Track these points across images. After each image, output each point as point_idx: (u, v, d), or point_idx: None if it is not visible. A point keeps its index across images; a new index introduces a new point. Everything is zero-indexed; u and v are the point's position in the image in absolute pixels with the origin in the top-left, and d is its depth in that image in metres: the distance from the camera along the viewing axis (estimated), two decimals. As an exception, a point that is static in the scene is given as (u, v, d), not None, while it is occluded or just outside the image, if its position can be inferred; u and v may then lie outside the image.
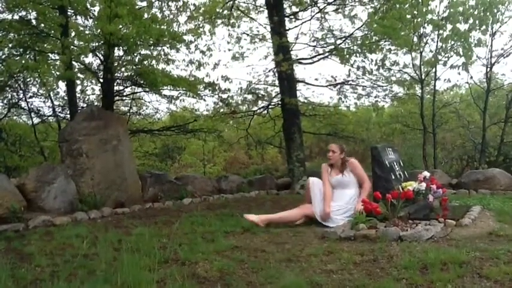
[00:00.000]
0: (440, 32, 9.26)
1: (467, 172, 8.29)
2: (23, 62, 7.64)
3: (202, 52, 9.43)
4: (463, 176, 7.95)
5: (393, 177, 4.62)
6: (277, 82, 9.46)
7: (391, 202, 4.02)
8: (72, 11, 7.93)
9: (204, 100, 9.81)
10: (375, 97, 10.43)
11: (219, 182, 8.20)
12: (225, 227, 4.41)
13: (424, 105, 10.09)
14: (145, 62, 8.62)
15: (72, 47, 7.07)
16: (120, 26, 6.64)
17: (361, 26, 9.00)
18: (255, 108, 10.26)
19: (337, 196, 4.67)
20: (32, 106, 10.20)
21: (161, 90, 9.14)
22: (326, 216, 4.47)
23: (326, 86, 10.08)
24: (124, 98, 10.40)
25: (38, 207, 5.49)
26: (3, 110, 10.24)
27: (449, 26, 8.75)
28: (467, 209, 4.66)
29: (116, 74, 8.42)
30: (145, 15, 7.31)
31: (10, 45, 7.82)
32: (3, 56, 8.18)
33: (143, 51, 8.46)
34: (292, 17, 9.62)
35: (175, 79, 8.38)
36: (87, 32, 7.57)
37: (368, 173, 4.87)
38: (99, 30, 7.12)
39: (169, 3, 9.24)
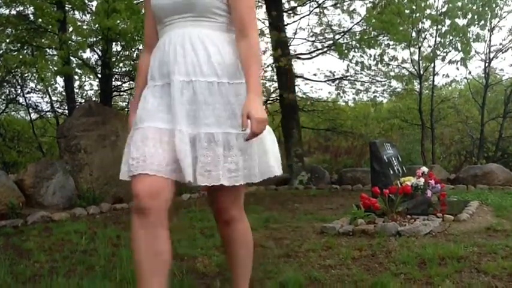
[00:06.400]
0: (439, 27, 9.25)
1: (465, 167, 8.30)
2: (21, 57, 7.61)
3: (201, 47, 9.40)
4: (461, 171, 7.95)
5: (391, 172, 4.62)
6: (275, 77, 9.45)
7: (389, 197, 4.02)
8: (70, 6, 7.90)
9: (203, 95, 9.78)
10: (374, 92, 10.49)
11: (217, 178, 8.20)
12: (224, 223, 4.41)
13: (422, 100, 10.09)
14: (143, 57, 8.59)
15: (70, 42, 7.05)
16: (118, 21, 6.62)
17: (360, 21, 8.99)
18: (254, 104, 10.23)
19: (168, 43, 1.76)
20: (30, 102, 10.19)
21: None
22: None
23: (324, 81, 10.09)
24: (122, 93, 10.39)
25: (37, 203, 5.48)
26: (1, 105, 10.22)
27: (447, 21, 8.74)
28: (466, 204, 4.67)
29: (113, 69, 8.40)
30: (143, 10, 7.29)
31: (7, 40, 7.79)
32: (1, 52, 8.15)
33: (141, 46, 8.45)
34: (290, 11, 9.61)
35: (173, 74, 8.36)
36: (84, 27, 7.55)
37: (366, 168, 4.83)
38: (96, 25, 7.10)
39: (167, -2, 9.19)
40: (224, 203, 1.86)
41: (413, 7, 8.28)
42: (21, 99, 10.14)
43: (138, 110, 1.77)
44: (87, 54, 8.72)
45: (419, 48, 9.91)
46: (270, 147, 1.83)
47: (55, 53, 8.04)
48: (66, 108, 9.24)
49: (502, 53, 9.99)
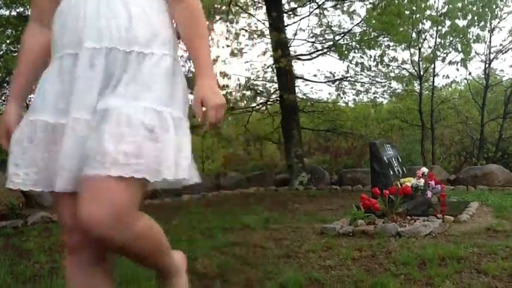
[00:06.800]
0: (439, 28, 9.28)
1: (465, 168, 8.30)
2: (21, 58, 7.62)
3: (201, 48, 9.40)
4: (461, 172, 7.96)
5: (391, 173, 4.62)
6: (275, 78, 9.45)
7: (389, 198, 4.02)
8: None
9: (203, 96, 9.79)
10: (374, 93, 10.51)
11: (217, 179, 8.21)
12: (224, 223, 4.42)
13: (422, 101, 10.10)
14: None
15: (70, 43, 7.06)
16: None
17: (360, 22, 9.01)
18: (254, 105, 10.26)
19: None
20: (30, 102, 10.20)
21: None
22: None
23: (325, 82, 10.11)
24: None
25: (37, 203, 5.49)
26: (1, 106, 10.23)
27: (448, 22, 8.76)
28: (466, 204, 4.67)
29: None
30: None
31: (8, 41, 7.79)
32: (1, 53, 8.16)
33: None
34: (290, 13, 9.62)
35: (173, 75, 8.37)
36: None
37: (366, 169, 4.83)
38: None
39: (167, -1, 9.21)
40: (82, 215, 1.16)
41: (414, 8, 8.30)
42: (21, 100, 10.16)
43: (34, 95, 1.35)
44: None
45: (420, 49, 9.94)
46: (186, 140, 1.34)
47: (55, 53, 8.05)
48: (67, 109, 9.27)
49: (502, 54, 10.04)
